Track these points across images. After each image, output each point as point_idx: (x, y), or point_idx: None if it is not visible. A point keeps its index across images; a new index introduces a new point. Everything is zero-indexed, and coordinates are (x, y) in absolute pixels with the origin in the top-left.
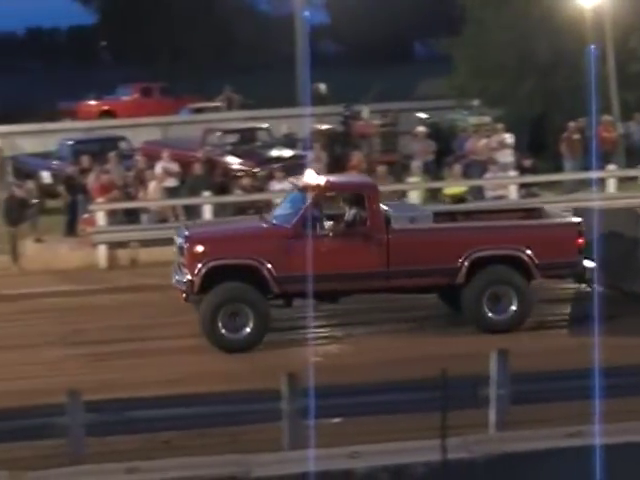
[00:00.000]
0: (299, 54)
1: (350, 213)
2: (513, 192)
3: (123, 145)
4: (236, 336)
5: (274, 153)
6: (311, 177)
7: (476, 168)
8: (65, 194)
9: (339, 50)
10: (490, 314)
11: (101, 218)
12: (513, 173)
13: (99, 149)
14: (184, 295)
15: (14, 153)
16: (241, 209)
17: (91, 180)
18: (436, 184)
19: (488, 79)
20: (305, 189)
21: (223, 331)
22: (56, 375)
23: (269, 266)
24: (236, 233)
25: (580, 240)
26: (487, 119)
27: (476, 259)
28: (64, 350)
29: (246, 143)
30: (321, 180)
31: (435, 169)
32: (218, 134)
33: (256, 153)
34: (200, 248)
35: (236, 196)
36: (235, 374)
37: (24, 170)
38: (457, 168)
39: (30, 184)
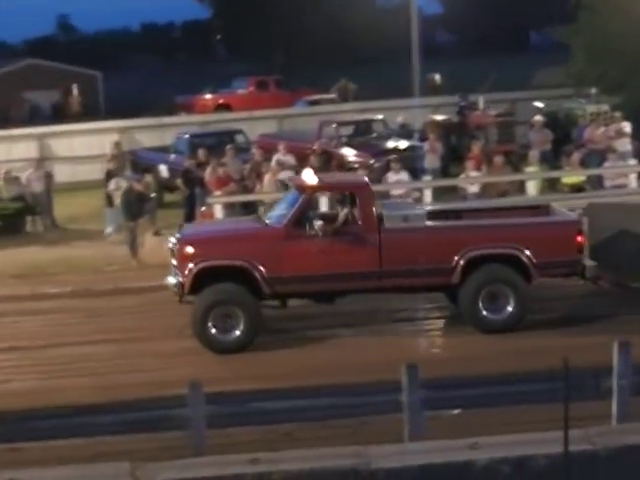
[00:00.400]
0: (413, 44)
1: (343, 213)
2: (633, 181)
3: (239, 138)
4: (226, 337)
5: (390, 144)
6: (306, 177)
7: (594, 157)
8: (183, 187)
9: (453, 40)
10: (486, 313)
11: (218, 211)
12: (632, 162)
13: (216, 142)
14: (178, 297)
15: (132, 147)
16: None
17: (208, 173)
18: (554, 174)
19: (606, 66)
20: (298, 189)
21: (213, 332)
22: (175, 367)
23: (260, 267)
24: (227, 234)
25: (580, 238)
26: (605, 107)
27: (471, 258)
28: (182, 342)
29: (362, 135)
30: (314, 180)
31: (553, 158)
32: (334, 126)
33: (371, 144)
34: (190, 249)
35: None
36: (351, 366)
37: (142, 164)
38: (575, 157)
39: (148, 178)
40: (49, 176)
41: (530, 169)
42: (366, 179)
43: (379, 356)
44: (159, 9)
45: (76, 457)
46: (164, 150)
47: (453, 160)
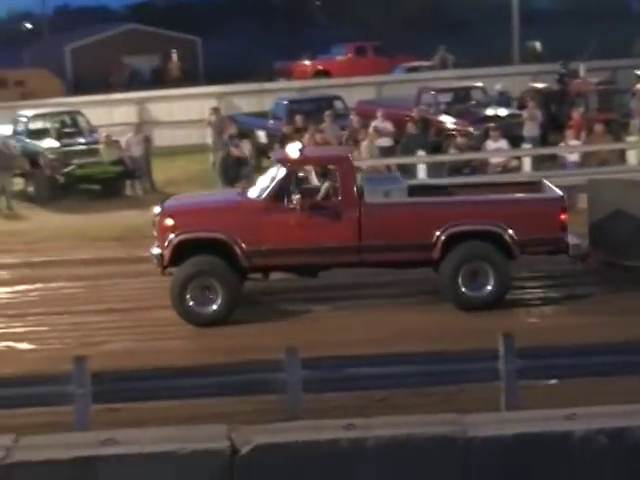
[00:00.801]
0: (513, 11)
1: (324, 186)
2: None
3: (338, 105)
4: (204, 310)
5: (489, 112)
6: (288, 150)
7: None
8: None
9: (553, 7)
10: (465, 290)
11: (314, 177)
12: None
13: (314, 109)
14: (160, 268)
15: (231, 113)
16: (456, 168)
17: (306, 139)
18: None
19: None
20: (279, 162)
21: (191, 304)
22: (273, 333)
23: (239, 240)
24: (207, 206)
25: (563, 216)
26: None
27: (452, 234)
28: (281, 306)
29: (460, 102)
30: (295, 153)
31: None
32: (432, 93)
33: (470, 112)
34: (170, 221)
35: (451, 155)
36: (446, 333)
37: (240, 129)
38: None
39: (246, 143)
40: (148, 140)
41: (631, 138)
42: (348, 153)
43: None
44: None
45: (173, 418)
46: (262, 115)
47: (553, 128)
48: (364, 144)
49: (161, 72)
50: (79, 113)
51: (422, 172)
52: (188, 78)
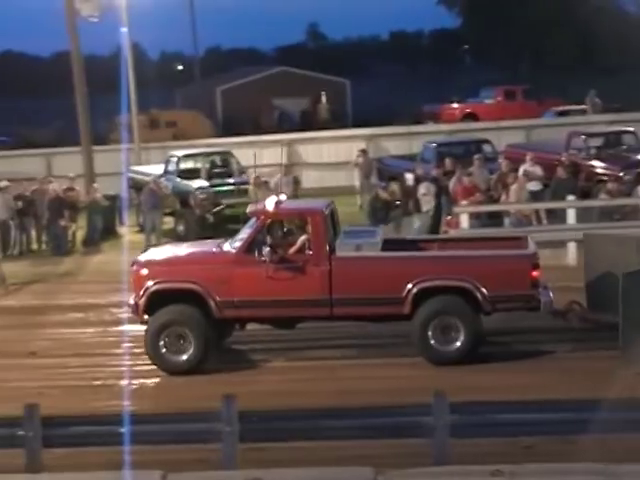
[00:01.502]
0: None
1: (300, 239)
2: None
3: (487, 148)
4: (177, 358)
5: None
6: (265, 203)
7: None
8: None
9: None
10: (436, 345)
11: (464, 220)
12: None
13: (463, 152)
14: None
15: (379, 155)
16: (606, 214)
17: (454, 182)
18: None
19: None
20: (253, 215)
21: (164, 351)
22: (409, 377)
23: (211, 291)
24: (181, 258)
25: (535, 273)
26: None
27: (422, 289)
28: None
29: (611, 147)
30: (269, 207)
31: None
32: (582, 137)
33: (622, 157)
34: (145, 271)
35: (601, 201)
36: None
37: (388, 172)
38: None
39: (394, 186)
40: (297, 182)
41: None
42: (321, 207)
43: None
44: (408, 17)
45: (318, 460)
46: (410, 158)
47: None
48: (513, 188)
49: (310, 114)
50: (229, 154)
51: (571, 217)
52: (336, 120)
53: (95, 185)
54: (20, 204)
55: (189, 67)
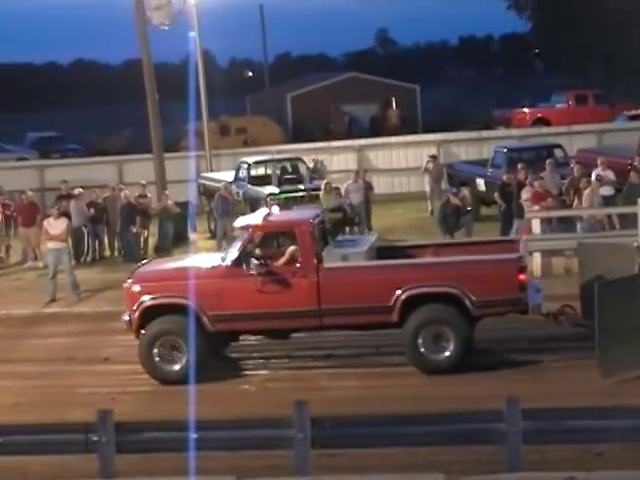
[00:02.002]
0: None
1: (288, 251)
2: None
3: (558, 153)
4: (169, 367)
5: None
6: (254, 216)
7: None
8: (500, 201)
9: None
10: (426, 354)
11: (536, 226)
12: None
13: (534, 157)
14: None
15: (449, 160)
16: None
17: (526, 188)
18: None
19: None
20: (241, 228)
21: (157, 360)
22: (482, 381)
23: (202, 305)
24: (173, 273)
25: (522, 276)
26: None
27: (409, 297)
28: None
29: None
30: (257, 219)
31: None
32: None
33: None
34: (137, 288)
35: None
36: None
37: (459, 177)
38: None
39: (465, 191)
40: (369, 187)
41: None
42: (309, 217)
43: None
44: (478, 22)
45: (390, 466)
46: (481, 164)
47: None
48: (586, 193)
49: (380, 120)
50: (300, 160)
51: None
52: (406, 126)
53: (166, 192)
54: (92, 211)
55: (259, 74)
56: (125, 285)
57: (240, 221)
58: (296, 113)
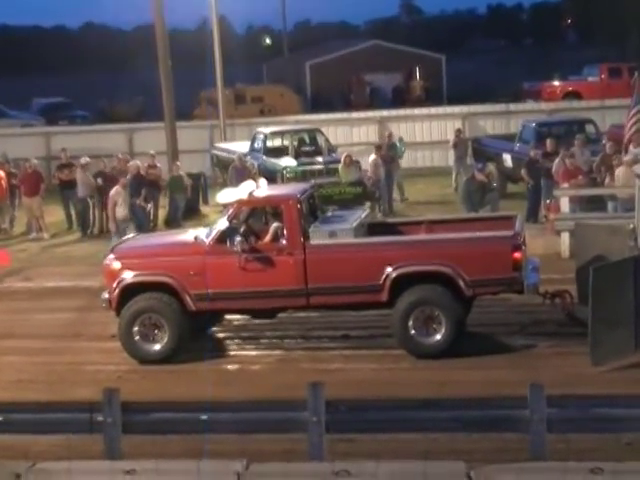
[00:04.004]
0: None
1: (272, 228)
2: None
3: (589, 128)
4: (149, 346)
5: None
6: (237, 191)
7: None
8: (527, 178)
9: None
10: (417, 336)
11: (565, 204)
12: None
13: (564, 132)
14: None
15: (475, 135)
16: None
17: (555, 164)
18: None
19: None
20: (225, 205)
21: (137, 339)
22: (511, 367)
23: (184, 283)
24: (154, 250)
25: (516, 254)
26: None
27: (399, 276)
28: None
29: None
30: (242, 195)
31: None
32: None
33: None
34: (117, 265)
35: None
36: None
37: (485, 152)
38: None
39: (491, 167)
40: (394, 161)
41: None
42: (296, 193)
43: None
44: None
45: (408, 452)
46: (508, 138)
47: None
48: (619, 170)
49: (403, 91)
50: (318, 131)
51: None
52: (430, 97)
53: (178, 163)
54: (100, 181)
55: (277, 41)
56: (105, 262)
57: (223, 196)
58: (315, 82)
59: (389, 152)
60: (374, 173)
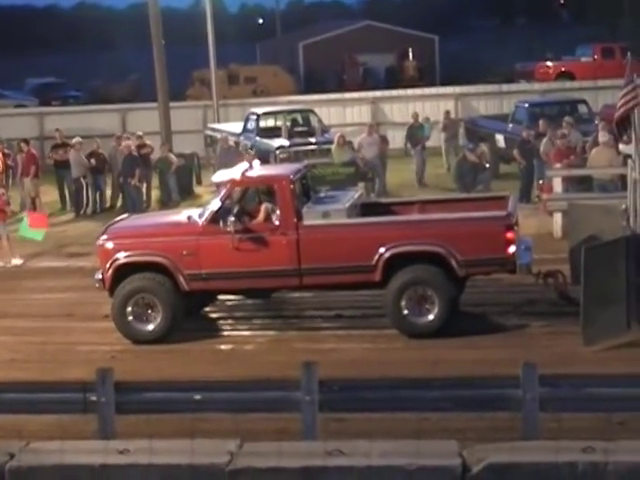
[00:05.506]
0: None
1: (263, 208)
2: None
3: (582, 109)
4: (143, 326)
5: None
6: (230, 172)
7: None
8: (519, 159)
9: None
10: (409, 316)
11: (558, 185)
12: None
13: (557, 112)
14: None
15: (467, 115)
16: None
17: (543, 144)
18: None
19: None
20: (218, 185)
21: (130, 319)
22: (505, 346)
23: (178, 263)
24: (147, 230)
25: (509, 234)
26: None
27: (392, 256)
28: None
29: None
30: (234, 175)
31: None
32: None
33: None
34: (110, 245)
35: None
36: None
37: (477, 133)
38: None
39: (483, 147)
40: (385, 141)
41: None
42: (289, 173)
43: None
44: None
45: (400, 431)
46: (501, 119)
47: None
48: (594, 150)
49: (396, 71)
50: (311, 112)
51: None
52: (424, 78)
53: (165, 145)
54: (93, 162)
55: (270, 21)
56: (98, 242)
57: (217, 176)
58: (308, 62)
59: (415, 134)
60: (366, 152)
